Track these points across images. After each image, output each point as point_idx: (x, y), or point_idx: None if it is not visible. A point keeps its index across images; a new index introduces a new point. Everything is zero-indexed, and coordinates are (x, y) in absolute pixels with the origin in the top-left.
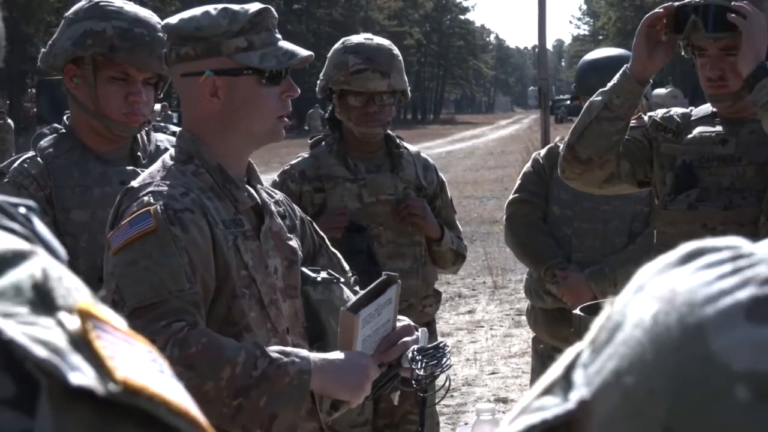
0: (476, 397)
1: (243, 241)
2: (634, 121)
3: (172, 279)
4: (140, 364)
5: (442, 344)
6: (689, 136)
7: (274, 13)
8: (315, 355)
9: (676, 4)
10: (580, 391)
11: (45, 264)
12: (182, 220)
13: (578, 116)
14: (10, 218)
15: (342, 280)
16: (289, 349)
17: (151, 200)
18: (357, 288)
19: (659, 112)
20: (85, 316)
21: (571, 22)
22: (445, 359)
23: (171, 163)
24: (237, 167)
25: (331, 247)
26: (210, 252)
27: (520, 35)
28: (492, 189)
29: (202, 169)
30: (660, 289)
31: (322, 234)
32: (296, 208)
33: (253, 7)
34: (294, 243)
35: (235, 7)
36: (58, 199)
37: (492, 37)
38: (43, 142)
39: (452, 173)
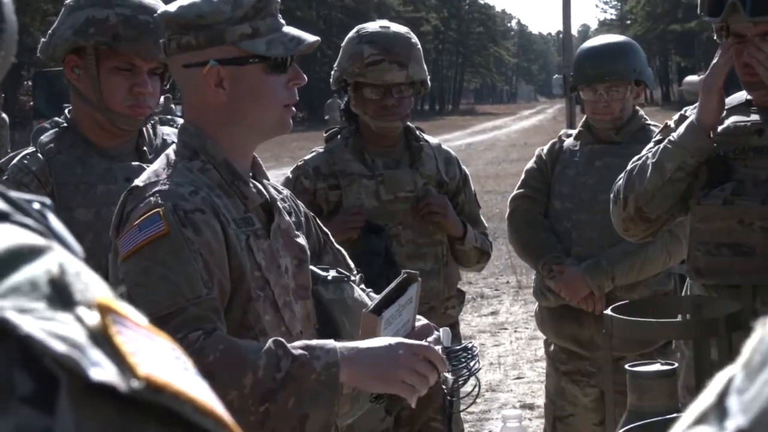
0: (501, 403)
1: (255, 240)
2: (659, 136)
3: (188, 286)
4: (163, 360)
5: (470, 345)
6: (722, 126)
7: None
8: (342, 345)
9: None
10: (736, 420)
11: (61, 259)
12: (194, 222)
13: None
14: (24, 214)
15: (352, 278)
16: (314, 342)
17: (159, 201)
18: (363, 286)
19: (688, 109)
20: (104, 311)
21: (597, 6)
22: (473, 362)
23: (176, 159)
24: (243, 162)
25: (336, 244)
26: (224, 254)
27: (543, 20)
28: (515, 183)
29: (209, 165)
30: None
31: (326, 230)
32: (300, 204)
33: None
34: (302, 241)
35: None
36: (60, 197)
37: (513, 23)
38: (44, 137)
39: (473, 167)
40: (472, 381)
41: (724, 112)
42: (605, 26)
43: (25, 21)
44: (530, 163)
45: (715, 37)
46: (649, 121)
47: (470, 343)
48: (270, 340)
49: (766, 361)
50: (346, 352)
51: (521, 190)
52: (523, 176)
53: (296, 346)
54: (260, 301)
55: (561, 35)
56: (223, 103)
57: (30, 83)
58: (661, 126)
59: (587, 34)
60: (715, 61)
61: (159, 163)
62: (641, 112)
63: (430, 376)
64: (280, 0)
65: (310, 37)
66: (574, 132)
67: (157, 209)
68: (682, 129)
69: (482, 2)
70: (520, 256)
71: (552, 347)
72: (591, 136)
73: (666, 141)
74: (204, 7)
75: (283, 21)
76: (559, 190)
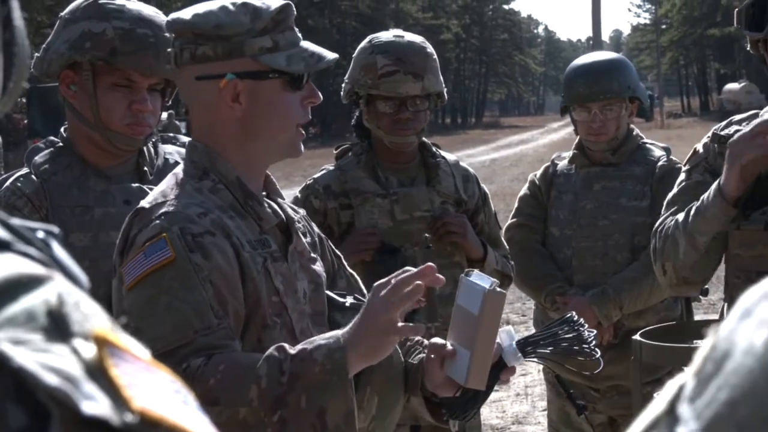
0: None
1: (272, 263)
2: (688, 165)
3: (197, 316)
4: (161, 394)
5: (571, 316)
6: None
7: (294, 9)
8: (344, 330)
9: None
10: (688, 426)
11: (61, 289)
12: (203, 246)
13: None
14: (26, 243)
15: None
16: (314, 337)
17: (166, 224)
18: None
19: (720, 126)
20: (101, 343)
21: (629, 10)
22: (584, 330)
23: (184, 179)
24: (256, 181)
25: (348, 268)
26: (237, 278)
27: (572, 26)
28: None
29: (220, 185)
30: None
31: (339, 254)
32: (313, 224)
33: (275, 2)
34: (318, 263)
35: (255, 1)
36: (55, 221)
37: (540, 29)
38: (38, 158)
39: (497, 184)
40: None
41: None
42: (639, 31)
43: None
44: (523, 190)
45: (748, 47)
46: (645, 140)
47: (568, 313)
48: (272, 347)
49: (719, 369)
50: (347, 335)
51: (515, 219)
52: (516, 204)
53: (298, 345)
54: (276, 328)
55: (591, 42)
56: (238, 118)
57: (24, 99)
58: (689, 153)
59: (619, 40)
60: (744, 132)
61: (166, 183)
62: (636, 130)
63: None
64: (296, 13)
65: (330, 54)
66: (567, 155)
67: (163, 234)
68: (709, 196)
69: (506, 8)
70: (519, 288)
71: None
72: (586, 159)
73: (694, 210)
74: (223, 18)
75: (300, 35)
76: (557, 216)
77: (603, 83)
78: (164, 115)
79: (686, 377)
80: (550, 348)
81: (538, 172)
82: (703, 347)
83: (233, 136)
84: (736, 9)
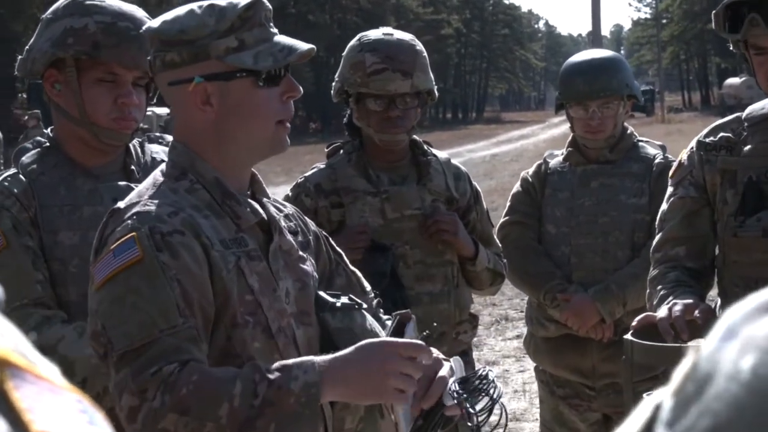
0: None
1: (247, 262)
2: (674, 179)
3: (162, 316)
4: (65, 415)
5: (485, 371)
6: (747, 147)
7: (267, 4)
8: (322, 360)
9: (726, 1)
10: None
11: None
12: (171, 245)
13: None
14: None
15: (364, 306)
16: (291, 362)
17: (136, 224)
18: (382, 312)
19: (703, 133)
20: (2, 365)
21: (630, 5)
22: (493, 389)
23: (162, 179)
24: (238, 180)
25: (350, 266)
26: (206, 277)
27: (572, 21)
28: None
29: (198, 184)
30: (756, 338)
31: (340, 251)
32: (309, 222)
33: (243, 0)
34: (307, 263)
35: (221, 2)
36: (44, 220)
37: (541, 24)
38: (25, 158)
39: (497, 179)
40: (496, 410)
41: (745, 131)
42: (639, 26)
43: (18, 30)
44: (516, 188)
45: (731, 47)
46: (640, 138)
47: (484, 368)
48: (246, 365)
49: (701, 392)
50: (327, 368)
51: (509, 217)
52: (509, 202)
53: (273, 369)
54: (249, 327)
55: (592, 37)
56: (212, 121)
57: (24, 96)
58: (675, 164)
59: (620, 35)
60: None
61: (145, 184)
62: (631, 128)
63: (416, 374)
64: (270, 8)
65: (303, 46)
66: (559, 152)
67: (132, 233)
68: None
69: (507, 2)
70: (516, 287)
71: (545, 373)
72: (582, 156)
73: (665, 300)
74: (187, 22)
75: (275, 30)
76: (552, 213)
77: (602, 81)
78: (164, 110)
79: (663, 396)
80: (476, 399)
81: (531, 170)
82: (683, 365)
83: (209, 138)
84: (714, 12)
